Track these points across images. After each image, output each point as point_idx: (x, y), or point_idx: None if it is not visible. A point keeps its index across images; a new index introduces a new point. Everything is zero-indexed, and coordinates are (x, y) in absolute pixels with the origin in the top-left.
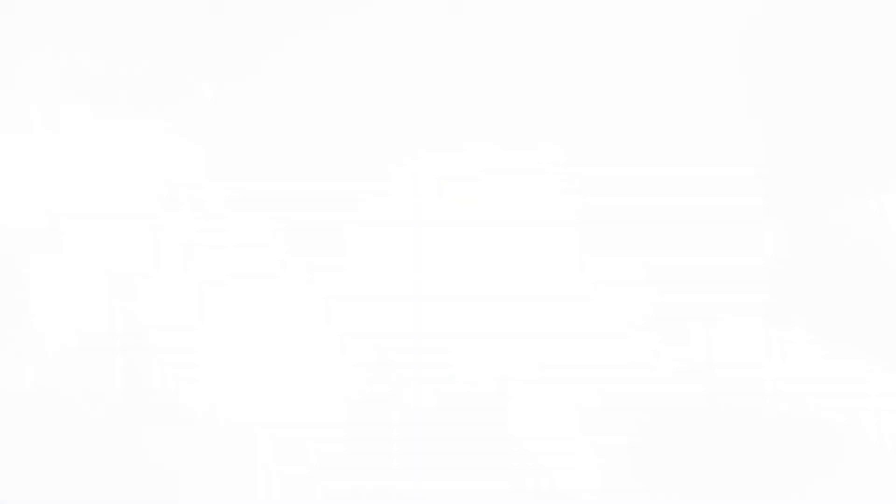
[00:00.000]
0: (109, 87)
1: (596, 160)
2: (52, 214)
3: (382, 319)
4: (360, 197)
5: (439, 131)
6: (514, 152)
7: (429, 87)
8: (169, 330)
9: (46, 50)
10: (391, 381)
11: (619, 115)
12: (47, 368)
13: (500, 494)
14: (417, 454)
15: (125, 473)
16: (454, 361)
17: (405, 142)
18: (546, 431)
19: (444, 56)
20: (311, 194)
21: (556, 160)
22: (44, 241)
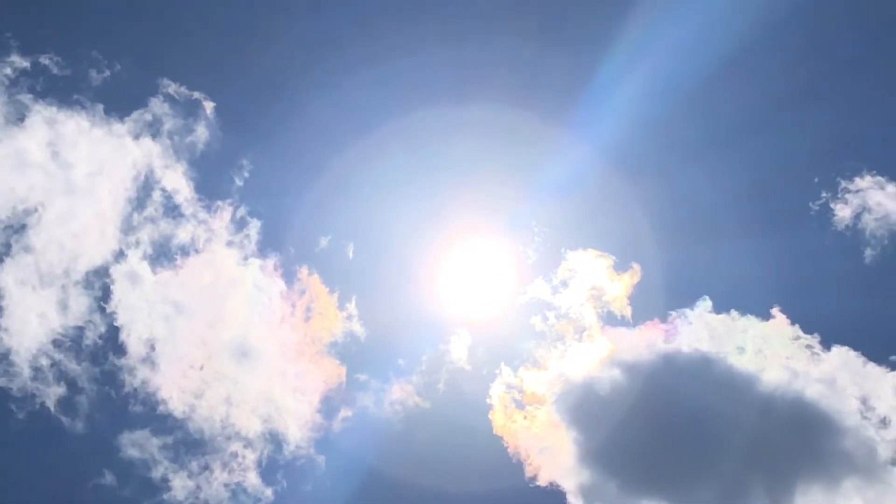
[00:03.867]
0: (77, 88)
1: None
2: (21, 214)
3: None
4: None
5: None
6: None
7: None
8: (142, 331)
9: (12, 51)
10: None
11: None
12: (19, 372)
13: None
14: None
15: (102, 476)
16: None
17: None
18: None
19: None
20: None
21: None
22: (12, 240)
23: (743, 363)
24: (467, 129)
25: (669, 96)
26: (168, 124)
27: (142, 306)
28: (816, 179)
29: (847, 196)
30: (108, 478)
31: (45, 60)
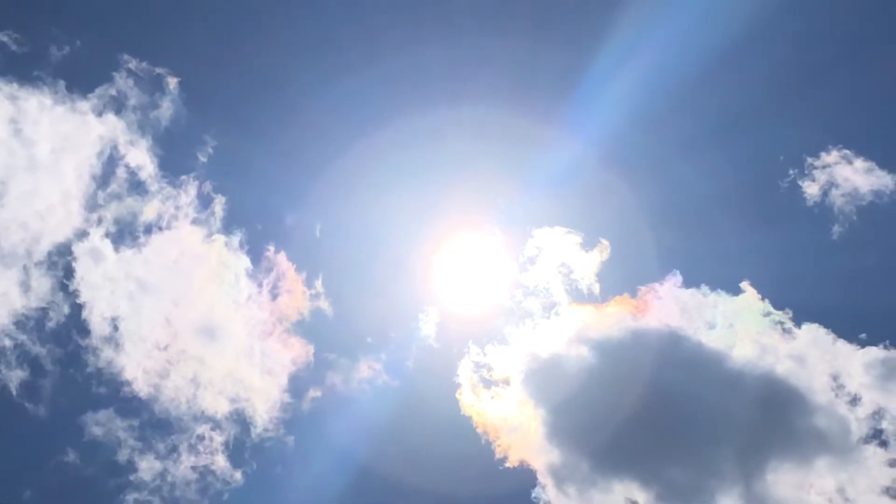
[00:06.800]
0: (37, 64)
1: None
2: None
3: None
4: None
5: None
6: None
7: None
8: (106, 310)
9: None
10: None
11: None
12: None
13: None
14: None
15: (66, 454)
16: None
17: None
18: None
19: None
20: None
21: None
22: None
23: (713, 339)
24: (438, 115)
25: (640, 86)
26: (132, 100)
27: (105, 285)
28: (782, 157)
29: (814, 172)
30: (72, 456)
31: (3, 37)
